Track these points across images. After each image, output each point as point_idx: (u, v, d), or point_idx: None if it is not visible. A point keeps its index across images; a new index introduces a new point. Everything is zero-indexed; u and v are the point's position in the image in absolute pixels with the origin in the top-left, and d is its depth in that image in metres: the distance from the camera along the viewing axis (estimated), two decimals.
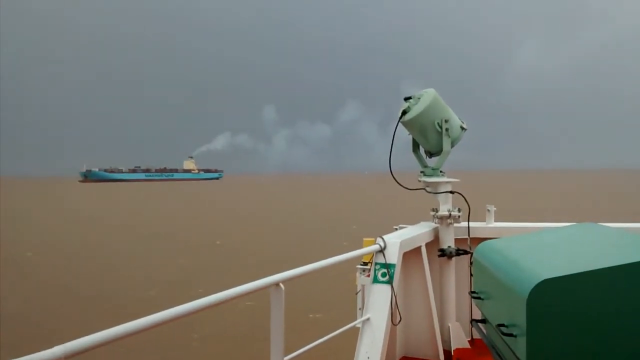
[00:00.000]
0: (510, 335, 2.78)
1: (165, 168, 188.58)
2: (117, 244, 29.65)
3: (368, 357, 4.38)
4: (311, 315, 14.14)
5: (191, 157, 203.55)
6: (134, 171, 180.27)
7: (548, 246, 3.28)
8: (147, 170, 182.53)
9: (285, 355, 3.31)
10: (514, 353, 2.79)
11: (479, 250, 3.63)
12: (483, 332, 3.52)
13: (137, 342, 11.43)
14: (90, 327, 2.40)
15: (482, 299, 3.45)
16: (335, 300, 15.38)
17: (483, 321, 3.51)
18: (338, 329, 4.08)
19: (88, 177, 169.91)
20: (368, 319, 4.57)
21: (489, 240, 3.69)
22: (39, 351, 1.91)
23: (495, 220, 6.11)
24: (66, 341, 2.04)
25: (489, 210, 6.06)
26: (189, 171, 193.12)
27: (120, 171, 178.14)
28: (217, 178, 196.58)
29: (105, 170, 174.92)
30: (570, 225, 3.73)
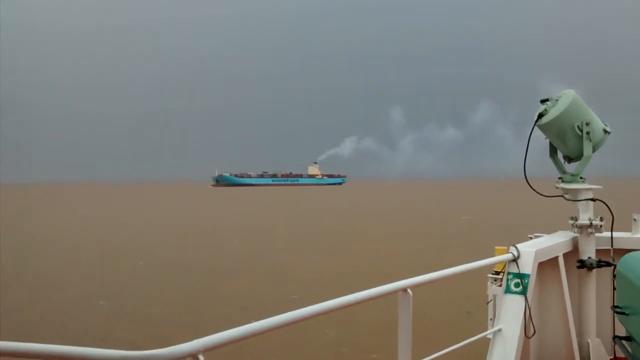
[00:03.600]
0: None
1: (290, 173, 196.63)
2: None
3: None
4: (437, 323, 13.96)
5: (315, 163, 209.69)
6: (261, 176, 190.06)
7: None
8: (274, 176, 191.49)
9: None
10: None
11: (624, 262, 3.47)
12: (628, 351, 3.36)
13: (271, 338, 12.12)
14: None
15: (627, 315, 3.29)
16: (463, 308, 15.06)
17: (628, 338, 3.34)
18: (467, 338, 4.09)
19: (219, 181, 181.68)
20: (499, 330, 4.51)
21: (635, 252, 3.51)
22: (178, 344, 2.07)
23: None
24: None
25: (635, 220, 5.67)
26: (313, 176, 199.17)
27: (249, 176, 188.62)
28: (340, 183, 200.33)
29: (236, 175, 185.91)
30: None
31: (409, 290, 3.36)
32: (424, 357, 3.58)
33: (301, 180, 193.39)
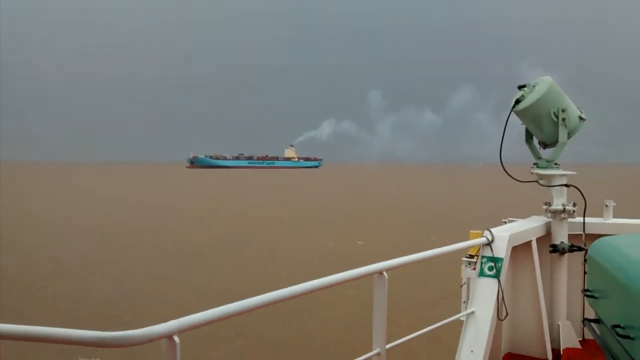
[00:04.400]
0: (627, 337, 2.73)
1: (266, 156, 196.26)
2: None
3: (472, 351, 4.43)
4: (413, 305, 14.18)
5: (292, 146, 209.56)
6: (237, 158, 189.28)
7: None
8: (250, 158, 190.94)
9: (388, 343, 3.46)
10: (630, 356, 2.73)
11: (595, 246, 3.54)
12: (596, 333, 3.45)
13: (245, 320, 12.19)
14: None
15: (597, 298, 3.37)
16: (438, 291, 15.29)
17: (596, 321, 3.43)
18: (441, 320, 4.17)
19: (194, 163, 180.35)
20: (473, 313, 4.60)
21: (606, 237, 3.59)
22: (154, 324, 2.09)
23: (614, 216, 5.84)
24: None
25: (607, 205, 5.81)
26: (289, 159, 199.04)
27: (225, 158, 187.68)
28: (315, 166, 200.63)
29: (211, 157, 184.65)
30: None
31: (384, 273, 3.40)
32: (398, 339, 3.64)
33: (277, 163, 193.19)
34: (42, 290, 16.77)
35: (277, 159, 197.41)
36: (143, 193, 62.91)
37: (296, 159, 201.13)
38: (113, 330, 2.02)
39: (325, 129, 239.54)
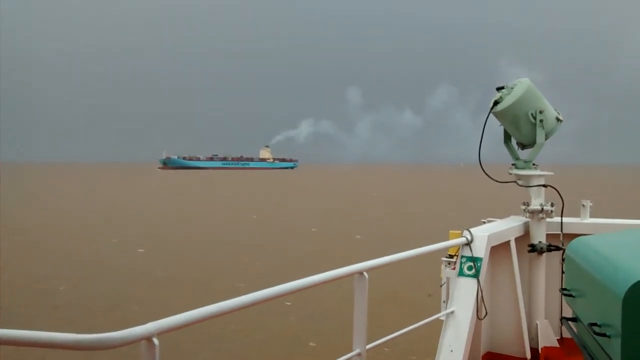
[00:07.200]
0: (604, 335, 2.80)
1: (241, 157, 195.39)
2: None
3: (452, 351, 4.52)
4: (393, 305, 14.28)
5: (267, 146, 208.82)
6: (211, 159, 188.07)
7: None
8: (224, 159, 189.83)
9: (368, 343, 3.51)
10: (606, 354, 2.80)
11: (572, 246, 3.63)
12: (574, 331, 3.54)
13: (227, 322, 12.14)
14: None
15: (574, 297, 3.45)
16: (419, 291, 15.41)
17: (574, 319, 3.52)
18: (421, 320, 4.24)
19: (167, 164, 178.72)
20: (452, 312, 4.69)
21: (583, 237, 3.68)
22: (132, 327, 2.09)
23: (591, 216, 6.00)
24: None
25: (584, 206, 5.97)
26: (264, 160, 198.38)
27: (198, 159, 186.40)
28: (291, 167, 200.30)
29: (184, 158, 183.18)
30: None
31: (364, 273, 3.45)
32: (379, 339, 3.70)
33: (252, 164, 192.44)
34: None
35: (251, 159, 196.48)
36: (121, 195, 61.92)
37: (271, 160, 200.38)
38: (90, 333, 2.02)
39: (304, 129, 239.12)
